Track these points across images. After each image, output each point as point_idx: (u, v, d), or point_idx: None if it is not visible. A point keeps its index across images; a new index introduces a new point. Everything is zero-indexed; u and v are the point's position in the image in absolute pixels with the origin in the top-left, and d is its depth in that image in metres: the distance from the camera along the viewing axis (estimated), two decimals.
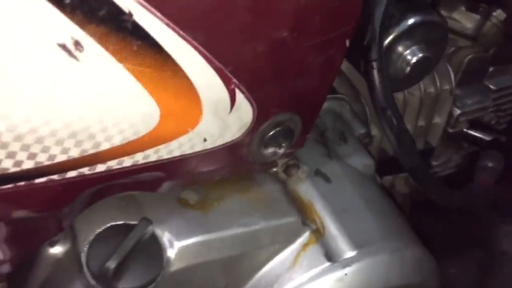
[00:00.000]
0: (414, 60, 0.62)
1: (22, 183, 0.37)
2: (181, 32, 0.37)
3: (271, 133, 0.50)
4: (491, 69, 0.83)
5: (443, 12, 0.77)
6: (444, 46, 0.66)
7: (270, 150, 0.51)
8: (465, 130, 0.83)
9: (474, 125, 0.85)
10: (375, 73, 0.57)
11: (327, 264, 0.52)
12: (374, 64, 0.57)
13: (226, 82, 0.42)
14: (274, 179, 0.57)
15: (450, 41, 0.79)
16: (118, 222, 0.47)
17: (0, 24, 0.30)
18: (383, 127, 0.61)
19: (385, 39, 0.61)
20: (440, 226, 0.95)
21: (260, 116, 0.47)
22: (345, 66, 0.67)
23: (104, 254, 0.45)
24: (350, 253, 0.52)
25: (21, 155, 0.36)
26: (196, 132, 0.43)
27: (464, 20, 0.78)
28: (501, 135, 0.85)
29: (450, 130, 0.83)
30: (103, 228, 0.47)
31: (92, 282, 0.44)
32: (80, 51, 0.33)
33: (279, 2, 0.40)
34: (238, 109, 0.45)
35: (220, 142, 0.46)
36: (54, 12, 0.31)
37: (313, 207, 0.58)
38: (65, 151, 0.37)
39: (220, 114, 0.44)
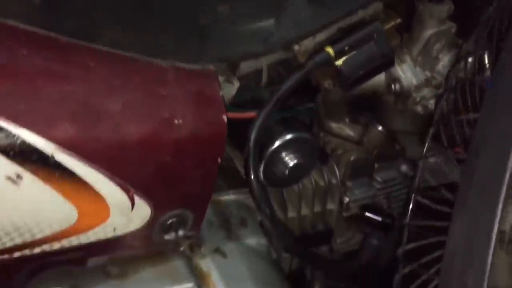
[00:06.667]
0: (290, 164, 0.81)
1: None
2: (90, 163, 0.56)
3: (168, 222, 0.67)
4: (376, 165, 1.04)
5: (333, 123, 0.98)
6: (315, 155, 0.86)
7: (170, 235, 0.69)
8: (359, 213, 1.02)
9: (366, 209, 1.03)
10: (251, 178, 0.76)
11: None
12: (251, 172, 0.76)
13: (126, 191, 0.59)
14: (180, 255, 0.73)
15: (340, 145, 0.99)
16: None
17: None
18: (260, 214, 0.79)
19: (269, 149, 0.82)
20: None
21: (156, 212, 0.63)
22: None
23: None
24: None
25: None
26: (107, 224, 0.60)
27: (349, 129, 0.98)
28: (388, 217, 1.03)
29: (345, 214, 1.01)
30: None
31: None
32: (20, 179, 0.53)
33: (158, 140, 0.61)
34: (137, 208, 0.62)
35: (127, 230, 0.63)
36: (5, 160, 0.52)
37: (210, 277, 0.75)
38: (11, 240, 0.55)
39: (124, 212, 0.61)
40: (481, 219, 0.45)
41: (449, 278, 0.46)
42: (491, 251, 0.45)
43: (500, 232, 0.65)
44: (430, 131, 0.72)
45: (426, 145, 0.74)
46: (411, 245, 0.70)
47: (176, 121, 0.60)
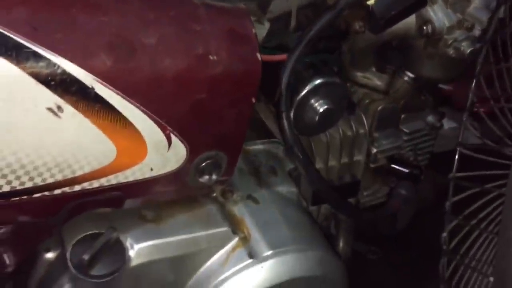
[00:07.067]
0: (321, 110, 0.81)
1: (25, 197, 0.55)
2: (128, 98, 0.55)
3: (202, 165, 0.66)
4: (403, 116, 1.03)
5: (359, 72, 0.97)
6: (344, 101, 0.85)
7: (204, 178, 0.68)
8: (386, 165, 1.02)
9: (393, 160, 1.03)
10: (284, 121, 0.75)
11: (250, 261, 0.67)
12: (283, 115, 0.76)
13: (163, 129, 0.59)
14: (213, 201, 0.72)
15: (366, 95, 0.98)
16: (94, 231, 0.65)
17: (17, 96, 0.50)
18: (293, 159, 0.79)
19: (299, 95, 0.81)
20: None
21: (192, 153, 0.63)
22: None
23: (82, 252, 0.63)
24: (266, 253, 0.67)
25: (24, 178, 0.54)
26: (144, 163, 0.60)
27: (375, 78, 0.97)
28: (416, 169, 1.02)
29: (372, 165, 1.00)
30: (82, 235, 0.64)
31: (73, 271, 0.61)
32: (61, 112, 0.53)
33: (194, 76, 0.60)
34: (174, 148, 0.61)
35: (163, 171, 0.63)
36: (46, 90, 0.51)
37: (243, 222, 0.74)
38: (52, 176, 0.55)
39: (161, 151, 0.61)
40: None
41: None
42: None
43: None
44: (474, 81, 0.71)
45: (469, 97, 0.73)
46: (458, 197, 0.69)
47: (211, 57, 0.59)
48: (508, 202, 0.47)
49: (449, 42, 0.80)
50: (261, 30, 0.72)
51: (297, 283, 0.69)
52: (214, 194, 0.73)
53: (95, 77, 0.53)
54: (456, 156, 0.63)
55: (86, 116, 0.53)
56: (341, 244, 1.01)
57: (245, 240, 0.69)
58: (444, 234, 0.60)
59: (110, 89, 0.54)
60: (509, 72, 0.55)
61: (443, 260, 0.59)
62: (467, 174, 0.61)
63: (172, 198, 0.68)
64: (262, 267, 0.66)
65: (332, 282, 0.73)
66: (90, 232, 0.63)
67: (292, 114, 0.76)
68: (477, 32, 0.79)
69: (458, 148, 0.63)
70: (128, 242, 0.63)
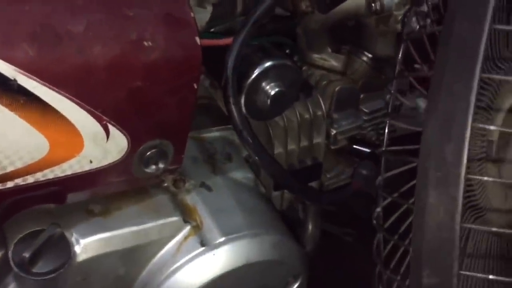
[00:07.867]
0: (272, 93, 0.79)
1: None
2: (55, 89, 0.53)
3: (147, 154, 0.64)
4: (363, 96, 1.01)
5: (315, 54, 0.95)
6: (297, 83, 0.83)
7: (151, 168, 0.66)
8: (347, 146, 1.01)
9: (355, 141, 1.01)
10: (231, 105, 0.74)
11: (201, 249, 0.65)
12: (230, 99, 0.74)
13: (98, 119, 0.56)
14: (165, 191, 0.70)
15: (323, 77, 0.96)
16: (37, 229, 0.63)
17: None
18: (243, 143, 0.77)
19: (249, 79, 0.79)
20: None
21: (133, 143, 0.60)
22: None
23: (24, 250, 0.61)
24: (218, 239, 0.65)
25: None
26: (82, 156, 0.57)
27: (332, 59, 0.95)
28: (377, 149, 1.01)
29: (333, 147, 0.99)
30: (24, 233, 0.62)
31: (16, 269, 0.60)
32: None
33: (127, 63, 0.58)
34: (113, 138, 0.59)
35: (104, 162, 0.60)
36: None
37: (195, 210, 0.72)
38: None
39: (99, 142, 0.58)
40: (458, 90, 0.43)
41: (427, 158, 0.45)
42: (469, 120, 0.43)
43: (488, 142, 0.63)
44: (402, 46, 0.69)
45: (397, 65, 0.71)
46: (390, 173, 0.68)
47: (145, 43, 0.57)
48: (420, 171, 0.46)
49: (399, 18, 0.78)
50: (203, 14, 0.69)
51: (252, 268, 0.67)
52: (166, 184, 0.71)
53: (17, 69, 0.50)
54: (386, 128, 0.62)
55: (11, 109, 0.51)
56: (310, 227, 1.00)
57: (197, 229, 0.67)
58: (378, 209, 0.59)
59: (35, 80, 0.51)
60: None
61: (379, 236, 0.58)
62: (398, 148, 0.60)
63: (120, 190, 0.66)
64: (214, 254, 0.64)
65: (290, 265, 0.71)
66: (33, 229, 0.61)
67: (243, 99, 0.74)
68: (426, 7, 0.77)
69: (387, 120, 0.62)
70: (73, 238, 0.61)
